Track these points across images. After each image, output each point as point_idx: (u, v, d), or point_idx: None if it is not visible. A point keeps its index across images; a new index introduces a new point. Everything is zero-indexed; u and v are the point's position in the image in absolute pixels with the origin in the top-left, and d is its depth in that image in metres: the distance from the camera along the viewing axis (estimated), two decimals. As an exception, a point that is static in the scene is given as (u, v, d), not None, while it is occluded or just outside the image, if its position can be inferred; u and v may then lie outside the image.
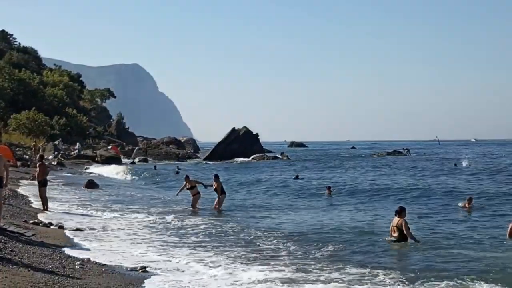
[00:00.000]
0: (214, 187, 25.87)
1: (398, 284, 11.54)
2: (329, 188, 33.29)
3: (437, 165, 59.46)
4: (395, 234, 15.90)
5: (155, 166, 56.57)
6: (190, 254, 14.80)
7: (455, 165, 57.03)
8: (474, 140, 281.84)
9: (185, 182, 26.56)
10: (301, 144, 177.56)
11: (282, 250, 15.50)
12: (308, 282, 11.83)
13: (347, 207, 26.63)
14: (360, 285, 11.52)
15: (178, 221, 21.04)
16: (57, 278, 10.86)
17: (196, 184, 26.54)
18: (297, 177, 43.14)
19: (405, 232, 15.81)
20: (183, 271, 12.85)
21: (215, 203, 25.67)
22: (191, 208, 25.42)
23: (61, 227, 17.90)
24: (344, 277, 12.25)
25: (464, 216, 23.17)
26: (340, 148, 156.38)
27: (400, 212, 16.10)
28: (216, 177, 26.28)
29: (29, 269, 11.21)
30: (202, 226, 19.84)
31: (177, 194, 27.65)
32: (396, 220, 16.05)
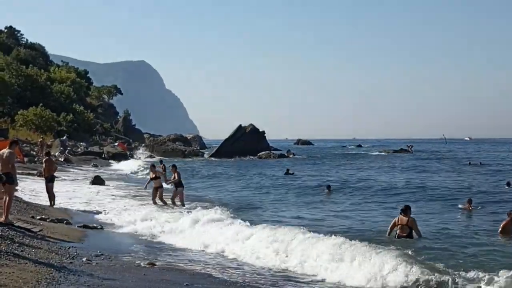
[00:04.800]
0: (172, 178, 25.14)
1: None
2: (329, 187, 32.80)
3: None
4: (405, 233, 15.89)
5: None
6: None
7: (469, 163, 57.38)
8: (468, 139, 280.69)
9: (150, 172, 25.97)
10: (307, 142, 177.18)
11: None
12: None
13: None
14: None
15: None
16: (63, 273, 10.91)
17: (160, 175, 25.78)
18: (287, 172, 42.40)
19: (415, 231, 15.92)
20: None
21: (172, 196, 25.02)
22: (152, 203, 24.80)
23: (68, 223, 17.99)
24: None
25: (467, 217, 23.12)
26: (348, 146, 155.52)
27: (406, 210, 16.10)
28: (174, 167, 25.75)
29: (36, 264, 11.26)
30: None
31: (146, 187, 26.73)
32: (403, 218, 16.02)
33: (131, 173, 46.88)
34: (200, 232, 16.56)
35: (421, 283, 11.00)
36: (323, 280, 12.25)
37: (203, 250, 15.25)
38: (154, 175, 25.47)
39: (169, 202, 25.12)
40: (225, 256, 14.65)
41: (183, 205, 24.59)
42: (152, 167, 26.50)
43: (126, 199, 27.00)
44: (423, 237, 16.20)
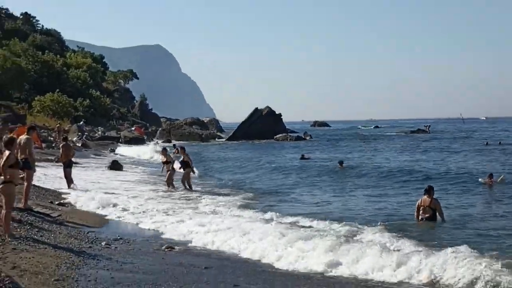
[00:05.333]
0: (181, 160, 24.90)
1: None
2: (341, 163, 33.26)
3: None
4: (428, 215, 15.67)
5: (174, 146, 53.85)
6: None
7: (487, 143, 56.77)
8: (484, 118, 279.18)
9: (161, 156, 25.84)
10: (324, 124, 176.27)
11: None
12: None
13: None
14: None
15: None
16: (83, 257, 10.96)
17: (171, 159, 25.47)
18: (303, 157, 41.81)
19: (439, 213, 15.71)
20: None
21: (182, 179, 24.75)
22: (168, 187, 24.59)
23: (86, 207, 18.05)
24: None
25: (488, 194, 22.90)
26: (365, 127, 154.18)
27: (429, 191, 15.87)
28: (183, 149, 25.66)
29: (55, 249, 11.32)
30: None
31: (162, 171, 26.30)
32: (427, 199, 15.78)
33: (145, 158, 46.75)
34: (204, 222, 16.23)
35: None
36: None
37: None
38: (165, 159, 25.40)
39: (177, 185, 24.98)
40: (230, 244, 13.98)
41: (185, 186, 24.54)
42: (164, 150, 26.33)
43: (141, 184, 27.01)
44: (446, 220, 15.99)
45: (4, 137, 15.11)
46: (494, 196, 22.09)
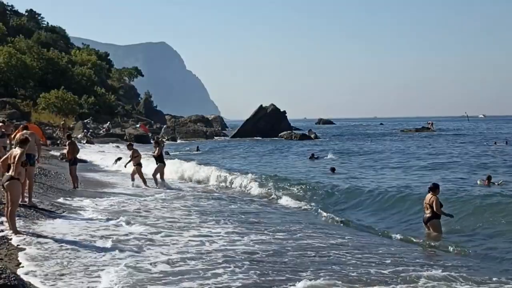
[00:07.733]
0: (153, 153, 24.51)
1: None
2: (333, 169, 30.69)
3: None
4: (428, 211, 15.53)
5: (197, 147, 53.96)
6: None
7: (495, 143, 56.05)
8: (482, 116, 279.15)
9: (131, 152, 25.05)
10: (328, 121, 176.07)
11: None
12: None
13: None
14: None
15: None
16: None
17: (138, 154, 24.60)
18: (312, 156, 40.85)
19: (435, 209, 15.46)
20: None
21: (153, 172, 24.31)
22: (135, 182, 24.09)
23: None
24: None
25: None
26: (369, 125, 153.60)
27: (434, 189, 15.69)
28: (157, 143, 25.31)
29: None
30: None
31: (125, 166, 25.71)
32: (428, 197, 15.64)
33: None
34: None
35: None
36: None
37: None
38: (132, 153, 24.74)
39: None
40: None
41: (163, 180, 24.24)
42: (129, 145, 25.95)
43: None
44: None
45: (19, 135, 15.24)
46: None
